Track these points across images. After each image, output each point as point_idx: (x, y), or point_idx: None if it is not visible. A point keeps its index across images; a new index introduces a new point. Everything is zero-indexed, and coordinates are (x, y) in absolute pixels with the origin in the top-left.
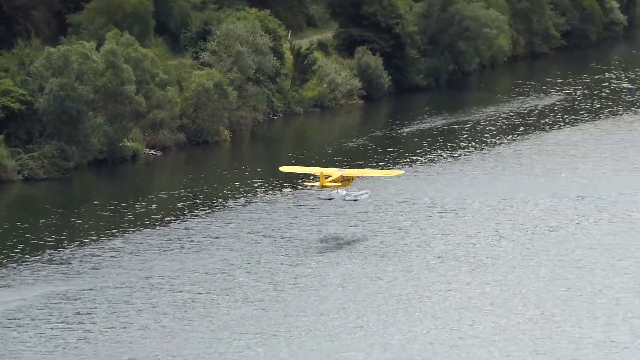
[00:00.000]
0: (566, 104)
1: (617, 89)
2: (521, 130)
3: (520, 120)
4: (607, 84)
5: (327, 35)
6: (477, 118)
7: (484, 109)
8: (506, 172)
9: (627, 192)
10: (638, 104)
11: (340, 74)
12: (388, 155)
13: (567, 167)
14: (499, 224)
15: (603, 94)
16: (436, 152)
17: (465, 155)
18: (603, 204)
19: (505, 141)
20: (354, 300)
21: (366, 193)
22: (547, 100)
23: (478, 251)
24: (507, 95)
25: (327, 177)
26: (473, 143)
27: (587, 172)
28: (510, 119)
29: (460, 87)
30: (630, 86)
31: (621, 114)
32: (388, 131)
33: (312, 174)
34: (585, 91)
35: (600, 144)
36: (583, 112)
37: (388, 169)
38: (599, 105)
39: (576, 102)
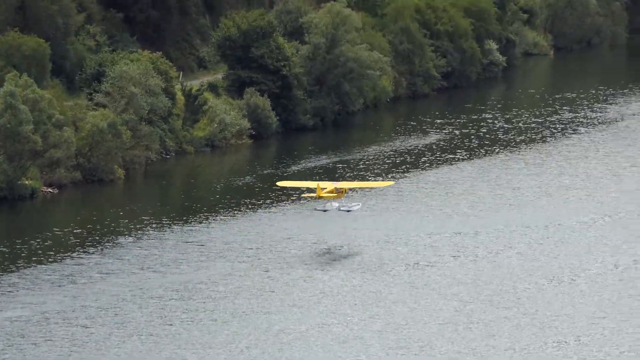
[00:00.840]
0: (444, 143)
1: (494, 128)
2: (402, 169)
3: (401, 159)
4: (484, 124)
5: (217, 76)
6: (360, 157)
7: (367, 148)
8: (387, 210)
9: (501, 228)
10: (513, 143)
11: (229, 114)
12: (272, 194)
13: (445, 204)
14: (373, 261)
15: (480, 133)
16: None
17: (347, 194)
18: (480, 239)
19: (386, 180)
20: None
21: (357, 205)
22: (427, 140)
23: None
24: (390, 134)
25: (323, 189)
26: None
27: (465, 209)
28: (391, 157)
29: (345, 126)
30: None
31: (497, 153)
32: (275, 170)
33: (302, 187)
34: (464, 130)
35: (477, 181)
36: (460, 150)
37: (379, 180)
38: (475, 144)
39: (454, 142)
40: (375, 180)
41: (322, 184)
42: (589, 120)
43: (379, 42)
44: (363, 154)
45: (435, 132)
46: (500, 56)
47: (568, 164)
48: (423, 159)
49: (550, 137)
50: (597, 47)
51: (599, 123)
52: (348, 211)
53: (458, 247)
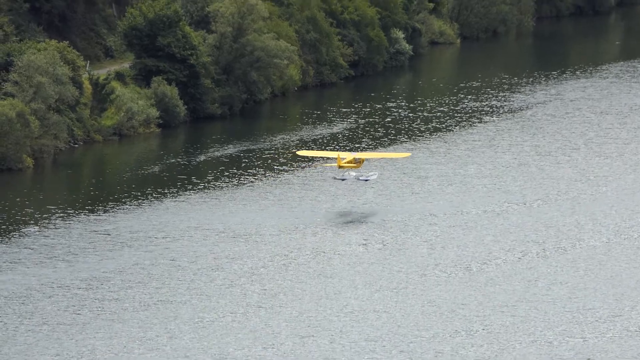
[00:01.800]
0: (350, 132)
1: (399, 117)
2: (307, 158)
3: (307, 147)
4: (389, 112)
5: (124, 65)
6: (267, 146)
7: (274, 137)
8: (294, 202)
9: (407, 216)
10: (418, 131)
11: (137, 103)
12: (179, 183)
13: (352, 193)
14: (253, 246)
15: (385, 122)
16: (226, 180)
17: (253, 182)
18: (386, 227)
19: (291, 169)
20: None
21: (374, 174)
22: (333, 129)
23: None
24: (297, 123)
25: (343, 158)
26: (261, 170)
27: (371, 198)
28: (298, 147)
29: (253, 115)
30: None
31: (402, 142)
32: (182, 159)
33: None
34: (369, 119)
35: (382, 170)
36: (365, 139)
37: (396, 151)
38: (381, 133)
39: (359, 130)
40: (391, 152)
41: (342, 154)
42: (494, 109)
43: (286, 31)
44: (270, 142)
45: (342, 121)
46: (407, 45)
47: (474, 152)
48: (328, 148)
49: (455, 126)
50: (503, 36)
51: (505, 112)
52: (366, 180)
53: (365, 236)
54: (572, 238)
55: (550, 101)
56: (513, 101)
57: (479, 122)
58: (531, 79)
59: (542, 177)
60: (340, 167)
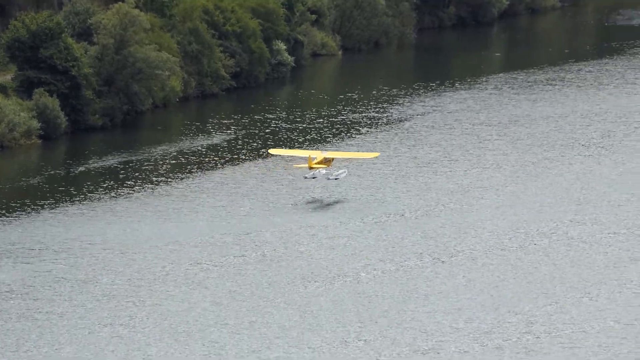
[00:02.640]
0: (230, 144)
1: (279, 128)
2: (187, 169)
3: (186, 158)
4: (269, 124)
5: (6, 77)
6: (147, 157)
7: (154, 149)
8: (174, 215)
9: (291, 227)
10: (297, 143)
11: (19, 115)
12: (57, 195)
13: (231, 204)
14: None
15: (263, 133)
16: (105, 191)
17: (131, 193)
18: (265, 237)
19: (169, 180)
20: None
21: (344, 172)
22: (212, 140)
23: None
24: (178, 135)
25: (314, 158)
26: (139, 182)
27: (248, 209)
28: (179, 157)
29: (134, 126)
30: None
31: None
32: (62, 170)
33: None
34: (249, 130)
35: (262, 182)
36: (244, 151)
37: (364, 152)
38: (260, 144)
39: (239, 142)
40: (359, 152)
41: (313, 153)
42: (373, 121)
43: (168, 42)
44: (149, 154)
45: (222, 132)
46: (289, 57)
47: (352, 163)
48: (207, 159)
49: (334, 138)
50: (385, 47)
51: (384, 123)
52: (336, 179)
53: (244, 247)
54: (450, 249)
55: (429, 113)
56: (392, 112)
57: (357, 134)
58: (411, 91)
59: (421, 189)
60: (311, 167)
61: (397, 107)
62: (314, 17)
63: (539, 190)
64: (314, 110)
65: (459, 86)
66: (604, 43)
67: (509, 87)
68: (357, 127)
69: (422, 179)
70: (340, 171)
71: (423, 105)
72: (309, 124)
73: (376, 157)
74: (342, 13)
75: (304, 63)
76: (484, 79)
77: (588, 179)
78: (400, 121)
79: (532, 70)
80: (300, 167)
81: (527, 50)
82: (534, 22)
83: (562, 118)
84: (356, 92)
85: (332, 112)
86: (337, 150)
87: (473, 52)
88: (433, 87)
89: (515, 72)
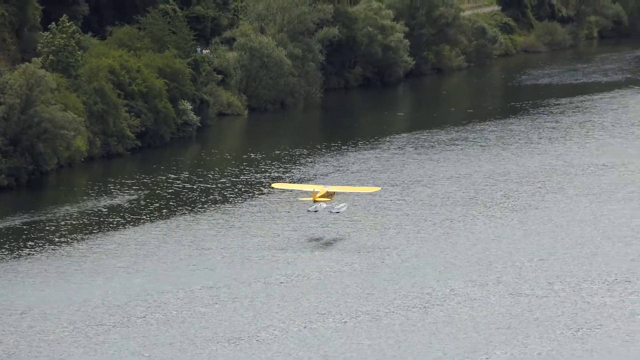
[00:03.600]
0: (131, 205)
1: (181, 188)
2: (89, 230)
3: (89, 219)
4: (171, 184)
5: None
6: (50, 217)
7: (58, 209)
8: (75, 276)
9: (191, 287)
10: (199, 203)
11: None
12: None
13: (132, 265)
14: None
15: (166, 193)
16: (7, 252)
17: (32, 254)
18: (165, 298)
19: (71, 241)
20: None
21: (344, 206)
22: (115, 200)
23: None
24: (82, 195)
25: (317, 192)
26: (43, 242)
27: (153, 269)
28: (81, 218)
29: (39, 187)
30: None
31: (182, 214)
32: None
33: (296, 190)
34: (152, 190)
35: (163, 243)
36: (146, 211)
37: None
38: (162, 204)
39: (141, 202)
40: (361, 186)
41: (316, 187)
42: (275, 181)
43: (74, 102)
44: (53, 214)
45: (125, 193)
46: (195, 116)
47: (254, 223)
48: (108, 219)
49: (235, 198)
50: (291, 107)
51: (286, 184)
52: (337, 212)
53: (148, 308)
54: (352, 310)
55: (332, 173)
56: (294, 172)
57: (259, 194)
58: (315, 151)
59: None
60: (315, 200)
61: (299, 167)
62: (220, 77)
63: (441, 250)
64: (217, 170)
65: (362, 146)
66: (509, 103)
67: (412, 147)
68: (259, 187)
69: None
70: (341, 205)
71: (325, 166)
72: (212, 184)
73: (377, 192)
74: (248, 73)
75: (210, 123)
76: (387, 139)
77: (491, 240)
78: (301, 182)
79: (436, 130)
80: (304, 200)
81: (432, 110)
82: (439, 82)
83: (465, 178)
84: (261, 152)
85: (234, 172)
86: (337, 185)
87: (378, 112)
88: (336, 147)
89: (419, 132)
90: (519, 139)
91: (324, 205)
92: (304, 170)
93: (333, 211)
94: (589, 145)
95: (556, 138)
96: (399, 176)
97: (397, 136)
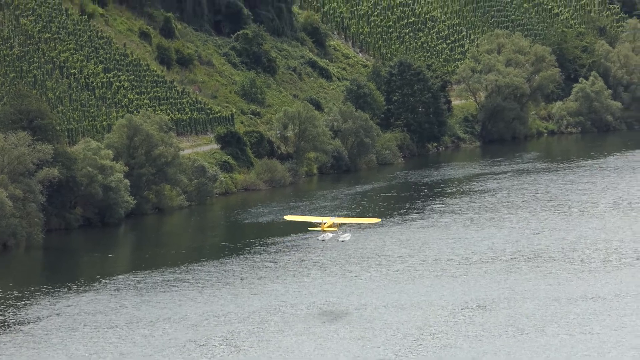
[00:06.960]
0: None
1: None
2: None
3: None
4: None
5: None
6: None
7: None
8: None
9: None
10: None
11: None
12: None
13: None
14: None
15: None
16: None
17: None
18: None
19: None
20: None
21: (348, 235)
22: None
23: None
24: None
25: (325, 222)
26: None
27: None
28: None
29: None
30: None
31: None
32: None
33: (309, 222)
34: None
35: None
36: None
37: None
38: None
39: None
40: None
41: (324, 219)
42: None
43: None
44: None
45: None
46: None
47: None
48: None
49: None
50: (14, 249)
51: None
52: (342, 241)
53: None
54: None
55: (50, 317)
56: (22, 315)
57: None
58: (31, 294)
59: None
60: (323, 230)
61: (23, 309)
62: None
63: None
64: None
65: (76, 289)
66: (225, 242)
67: (128, 289)
68: None
69: None
70: (346, 234)
71: (40, 309)
72: None
73: (377, 222)
74: None
75: None
76: (104, 282)
77: None
78: (16, 324)
79: (151, 270)
80: (314, 229)
81: (151, 250)
82: (161, 222)
83: (182, 320)
84: None
85: None
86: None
87: (98, 253)
88: (57, 290)
89: (136, 272)
90: (238, 279)
91: (330, 235)
92: (19, 314)
93: (339, 240)
94: (306, 285)
95: (270, 278)
96: (113, 319)
97: (113, 278)
